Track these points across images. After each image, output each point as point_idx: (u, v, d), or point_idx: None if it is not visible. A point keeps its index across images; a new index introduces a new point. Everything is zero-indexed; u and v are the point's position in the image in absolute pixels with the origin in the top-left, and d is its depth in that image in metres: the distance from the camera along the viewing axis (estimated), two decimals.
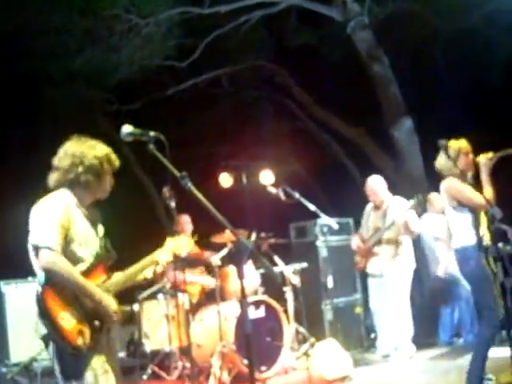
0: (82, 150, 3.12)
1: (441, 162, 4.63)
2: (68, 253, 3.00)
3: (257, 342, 5.52)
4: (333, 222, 6.46)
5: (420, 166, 9.17)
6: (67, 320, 2.91)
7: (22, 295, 4.89)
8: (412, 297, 7.15)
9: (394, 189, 7.24)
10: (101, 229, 3.27)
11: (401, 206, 6.25)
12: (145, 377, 5.70)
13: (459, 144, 4.63)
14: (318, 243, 6.85)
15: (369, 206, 6.60)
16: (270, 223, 7.43)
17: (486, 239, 4.52)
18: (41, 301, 2.90)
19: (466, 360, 5.63)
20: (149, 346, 5.85)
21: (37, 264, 2.96)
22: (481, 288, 4.52)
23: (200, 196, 2.75)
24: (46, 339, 2.95)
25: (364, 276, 6.75)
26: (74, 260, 3.02)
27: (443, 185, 4.63)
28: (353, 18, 9.55)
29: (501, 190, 4.54)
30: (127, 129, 2.99)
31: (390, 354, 6.34)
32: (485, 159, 4.53)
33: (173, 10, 9.20)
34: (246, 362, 5.32)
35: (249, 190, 6.82)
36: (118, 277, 3.19)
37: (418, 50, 10.54)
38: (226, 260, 5.81)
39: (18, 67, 8.58)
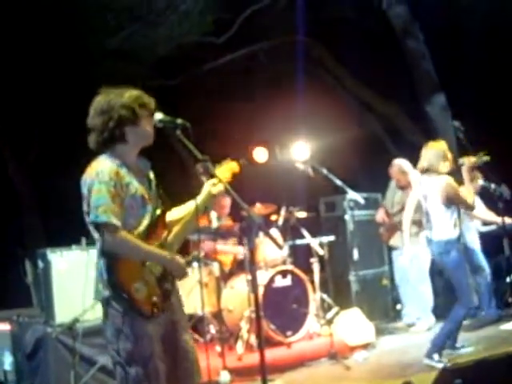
0: (109, 102, 2.96)
1: (430, 160, 5.03)
2: (127, 219, 2.91)
3: (284, 309, 5.88)
4: (359, 197, 6.73)
5: (453, 142, 9.25)
6: (140, 290, 2.86)
7: (66, 262, 5.26)
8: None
9: None
10: (152, 177, 3.15)
11: None
12: None
13: (438, 146, 5.10)
14: (346, 217, 7.10)
15: (393, 183, 6.92)
16: (303, 197, 7.68)
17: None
18: (112, 274, 2.85)
19: (484, 332, 5.94)
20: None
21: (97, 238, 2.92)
22: (459, 274, 5.01)
23: (220, 177, 3.05)
24: (104, 301, 2.92)
25: (391, 249, 7.04)
26: (134, 224, 2.94)
27: (439, 182, 5.00)
28: None
29: None
30: (158, 116, 3.09)
31: (414, 324, 6.63)
32: (467, 162, 5.00)
33: None
34: (272, 326, 5.68)
35: (282, 165, 7.08)
36: (177, 229, 3.12)
37: (454, 25, 10.48)
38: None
39: (58, 45, 8.93)
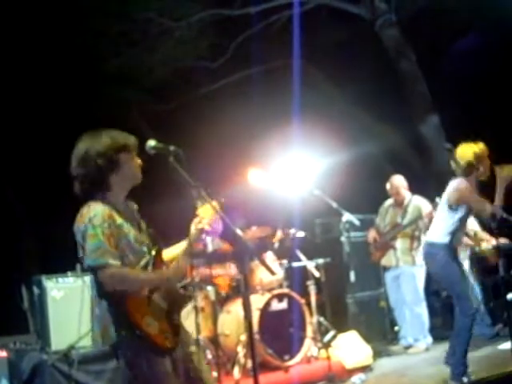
0: (86, 151, 2.94)
1: (456, 162, 4.94)
2: (127, 256, 2.93)
3: (280, 333, 5.85)
4: (354, 219, 6.75)
5: (448, 162, 9.30)
6: (152, 325, 2.86)
7: (61, 289, 5.29)
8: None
9: (421, 185, 7.53)
10: (140, 219, 3.15)
11: (424, 203, 6.60)
12: None
13: (476, 148, 4.87)
14: (342, 239, 7.10)
15: (387, 202, 6.99)
16: (298, 219, 7.69)
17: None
18: (122, 313, 2.84)
19: (481, 352, 5.92)
20: None
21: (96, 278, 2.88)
22: (450, 281, 4.88)
23: (213, 204, 3.08)
24: (118, 345, 2.90)
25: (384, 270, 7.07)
26: (134, 262, 2.95)
27: (454, 183, 4.90)
28: (380, 17, 9.76)
29: None
30: (151, 143, 3.11)
31: (411, 346, 6.61)
32: (506, 173, 4.73)
33: (204, 12, 9.54)
34: (269, 351, 5.66)
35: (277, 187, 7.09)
36: (175, 262, 3.11)
37: (447, 45, 10.61)
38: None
39: (54, 69, 9.02)
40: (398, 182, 6.89)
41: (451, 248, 4.86)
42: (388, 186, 6.94)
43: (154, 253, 3.06)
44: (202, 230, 3.18)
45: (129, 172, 3.02)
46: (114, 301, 2.86)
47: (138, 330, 2.83)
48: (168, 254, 3.24)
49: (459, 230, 4.91)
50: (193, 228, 3.21)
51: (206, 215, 3.21)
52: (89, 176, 2.94)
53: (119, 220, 2.96)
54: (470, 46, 9.75)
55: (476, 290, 6.64)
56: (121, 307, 2.84)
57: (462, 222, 4.89)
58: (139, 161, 3.07)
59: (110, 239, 2.86)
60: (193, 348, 3.16)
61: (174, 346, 2.95)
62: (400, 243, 6.75)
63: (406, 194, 6.85)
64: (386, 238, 6.81)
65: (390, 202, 6.99)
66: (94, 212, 2.90)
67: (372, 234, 6.92)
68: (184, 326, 3.15)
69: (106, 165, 2.94)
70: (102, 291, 2.87)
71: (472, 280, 6.67)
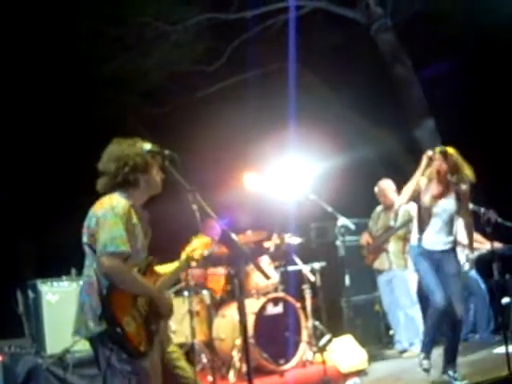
0: (123, 150, 3.15)
1: None
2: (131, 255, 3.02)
3: (276, 337, 5.85)
4: (349, 223, 6.76)
5: None
6: (130, 325, 2.94)
7: (56, 293, 5.30)
8: None
9: None
10: (148, 229, 3.28)
11: (413, 206, 6.60)
12: None
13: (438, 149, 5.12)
14: (337, 243, 7.11)
15: (379, 208, 7.01)
16: (293, 223, 7.69)
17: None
18: (108, 306, 2.92)
19: (477, 355, 5.93)
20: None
21: (98, 268, 2.98)
22: (420, 275, 5.25)
23: (208, 209, 3.09)
24: (96, 339, 2.99)
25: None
26: (131, 263, 3.04)
27: None
28: (376, 21, 9.80)
29: None
30: (146, 147, 3.21)
31: (406, 350, 6.62)
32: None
33: (200, 16, 9.56)
34: (264, 355, 5.66)
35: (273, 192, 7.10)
36: (163, 279, 3.26)
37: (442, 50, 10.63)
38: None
39: (50, 73, 9.01)
40: (386, 185, 6.92)
41: (420, 247, 5.09)
42: (376, 189, 6.99)
43: (148, 261, 3.17)
44: (191, 260, 3.32)
45: (155, 179, 3.24)
46: (103, 294, 2.93)
47: (118, 327, 2.91)
48: (162, 270, 3.32)
49: (423, 229, 5.07)
50: (183, 256, 3.33)
51: (199, 247, 3.34)
52: (123, 171, 3.12)
53: (135, 219, 3.10)
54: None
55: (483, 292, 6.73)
56: (107, 302, 2.92)
57: (424, 219, 5.07)
58: (161, 174, 3.26)
59: (127, 233, 3.00)
60: (173, 347, 3.24)
61: (146, 351, 2.99)
62: (392, 246, 6.77)
63: (394, 197, 6.84)
64: (379, 241, 6.83)
65: (381, 207, 7.03)
66: (117, 202, 3.06)
67: (365, 237, 6.95)
68: (164, 328, 3.23)
69: (142, 164, 3.16)
70: (104, 273, 2.95)
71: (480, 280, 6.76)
